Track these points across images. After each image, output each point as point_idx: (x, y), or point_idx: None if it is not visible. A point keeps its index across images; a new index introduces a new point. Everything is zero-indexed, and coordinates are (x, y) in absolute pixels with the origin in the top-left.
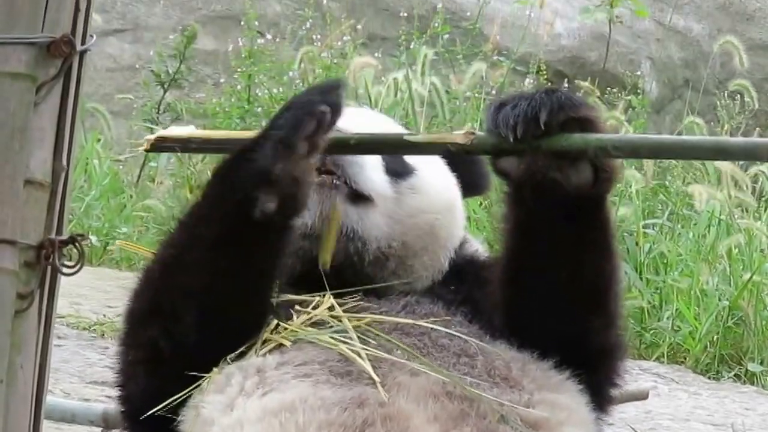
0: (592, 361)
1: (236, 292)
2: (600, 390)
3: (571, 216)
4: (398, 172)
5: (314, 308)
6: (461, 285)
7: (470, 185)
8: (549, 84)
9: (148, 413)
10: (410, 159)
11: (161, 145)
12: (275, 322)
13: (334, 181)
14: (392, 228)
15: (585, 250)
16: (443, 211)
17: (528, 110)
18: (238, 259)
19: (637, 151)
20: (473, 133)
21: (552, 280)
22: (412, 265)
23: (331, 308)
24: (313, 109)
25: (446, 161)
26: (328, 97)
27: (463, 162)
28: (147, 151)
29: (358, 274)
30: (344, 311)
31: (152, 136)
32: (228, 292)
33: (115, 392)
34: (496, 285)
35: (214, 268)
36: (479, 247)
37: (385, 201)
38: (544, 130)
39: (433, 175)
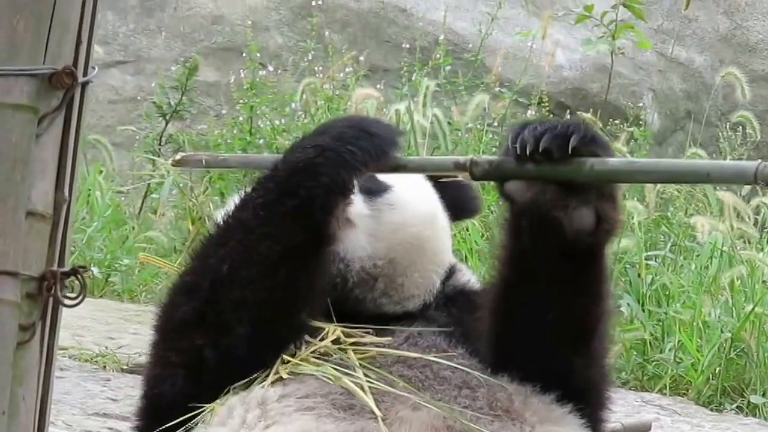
0: (576, 394)
1: (289, 307)
2: (587, 421)
3: (566, 259)
4: (373, 191)
5: (321, 340)
6: (453, 312)
7: (459, 208)
8: (551, 116)
9: (173, 421)
10: (384, 177)
11: (189, 159)
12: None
13: None
14: (375, 246)
15: (576, 294)
16: (426, 223)
17: (560, 130)
18: (297, 275)
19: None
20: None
21: (539, 316)
22: (402, 283)
23: (336, 340)
24: (390, 148)
25: (433, 184)
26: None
27: (452, 185)
28: (174, 165)
29: (348, 296)
30: (349, 343)
31: (182, 154)
32: (282, 306)
33: (142, 389)
34: (485, 311)
35: (273, 284)
36: (471, 278)
37: (364, 220)
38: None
39: (410, 189)
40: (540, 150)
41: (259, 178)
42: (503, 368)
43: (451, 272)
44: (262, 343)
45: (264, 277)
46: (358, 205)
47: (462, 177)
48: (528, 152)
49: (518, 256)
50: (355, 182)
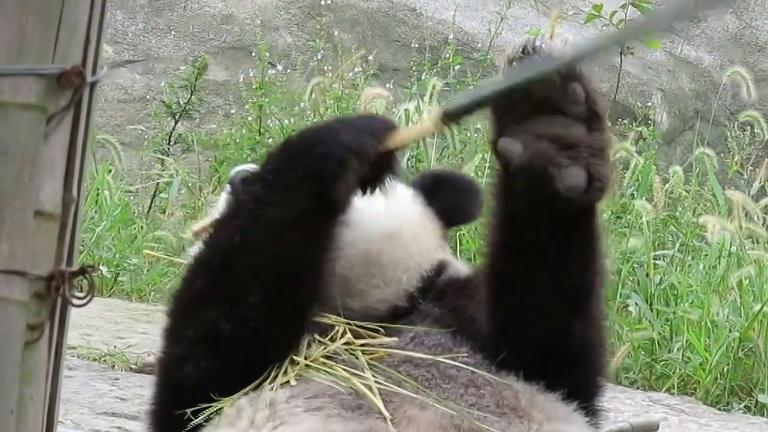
0: (575, 357)
1: (301, 275)
2: (584, 382)
3: (558, 220)
4: None
5: (330, 339)
6: (447, 301)
7: (457, 212)
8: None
9: (193, 406)
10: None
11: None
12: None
13: None
14: None
15: (569, 255)
16: (379, 240)
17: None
18: (307, 242)
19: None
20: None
21: (534, 280)
22: (362, 290)
23: (345, 341)
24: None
25: (431, 187)
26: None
27: (452, 189)
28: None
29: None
30: (357, 343)
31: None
32: (293, 275)
33: (159, 374)
34: (480, 283)
35: (283, 250)
36: (462, 268)
37: None
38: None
39: (370, 207)
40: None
41: (269, 151)
42: (501, 337)
43: (441, 268)
44: (276, 314)
45: (272, 244)
46: None
47: (436, 127)
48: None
49: (510, 220)
50: (371, 152)
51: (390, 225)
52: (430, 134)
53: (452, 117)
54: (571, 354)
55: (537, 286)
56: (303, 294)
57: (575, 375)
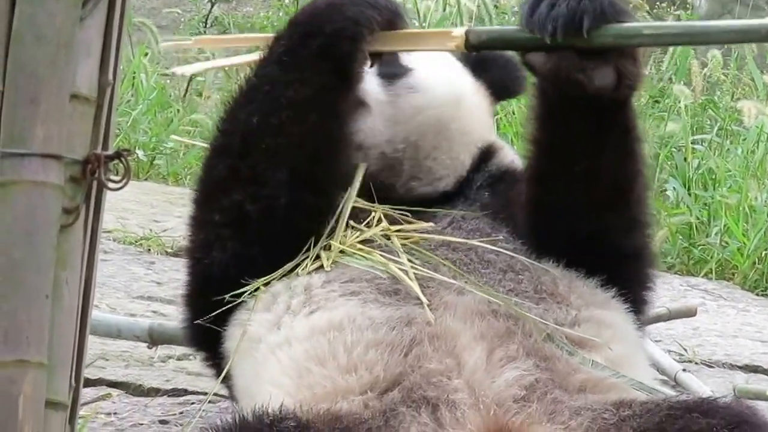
0: (617, 265)
1: (323, 152)
2: (628, 294)
3: (592, 115)
4: (392, 74)
5: (366, 225)
6: (500, 190)
7: (503, 88)
8: None
9: (224, 292)
10: (406, 60)
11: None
12: (325, 239)
13: None
14: (394, 131)
15: (603, 148)
16: (449, 105)
17: (569, 15)
18: (327, 118)
19: (660, 39)
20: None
21: (572, 175)
22: (429, 166)
23: (381, 226)
24: (402, 13)
25: (476, 63)
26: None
27: (495, 65)
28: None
29: (376, 184)
30: (393, 229)
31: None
32: (316, 152)
33: (188, 262)
34: (524, 183)
35: (304, 129)
36: (514, 157)
37: (381, 105)
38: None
39: (432, 72)
40: (552, 36)
41: (276, 34)
42: (541, 239)
43: (491, 151)
44: (300, 193)
45: (294, 122)
46: (374, 89)
47: (456, 47)
48: (548, 40)
49: (547, 115)
50: (376, 24)
51: (458, 90)
52: (447, 51)
53: (474, 46)
54: (611, 262)
55: (574, 181)
56: (329, 170)
57: (616, 289)
